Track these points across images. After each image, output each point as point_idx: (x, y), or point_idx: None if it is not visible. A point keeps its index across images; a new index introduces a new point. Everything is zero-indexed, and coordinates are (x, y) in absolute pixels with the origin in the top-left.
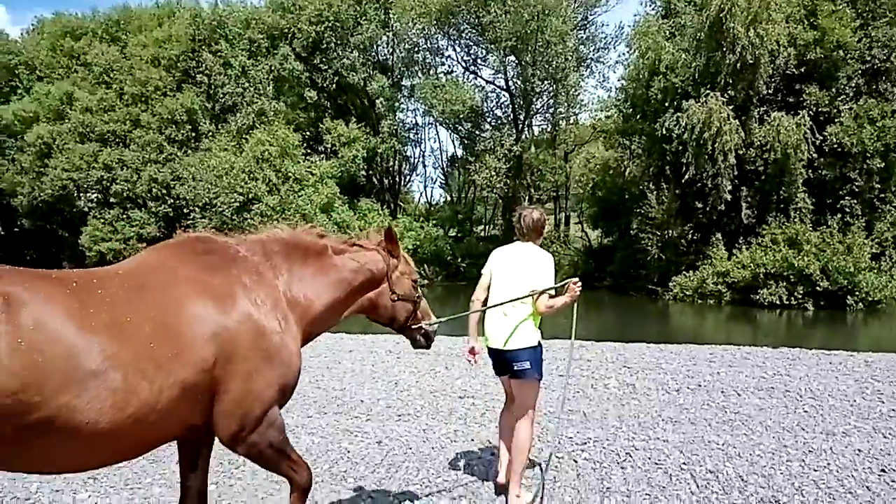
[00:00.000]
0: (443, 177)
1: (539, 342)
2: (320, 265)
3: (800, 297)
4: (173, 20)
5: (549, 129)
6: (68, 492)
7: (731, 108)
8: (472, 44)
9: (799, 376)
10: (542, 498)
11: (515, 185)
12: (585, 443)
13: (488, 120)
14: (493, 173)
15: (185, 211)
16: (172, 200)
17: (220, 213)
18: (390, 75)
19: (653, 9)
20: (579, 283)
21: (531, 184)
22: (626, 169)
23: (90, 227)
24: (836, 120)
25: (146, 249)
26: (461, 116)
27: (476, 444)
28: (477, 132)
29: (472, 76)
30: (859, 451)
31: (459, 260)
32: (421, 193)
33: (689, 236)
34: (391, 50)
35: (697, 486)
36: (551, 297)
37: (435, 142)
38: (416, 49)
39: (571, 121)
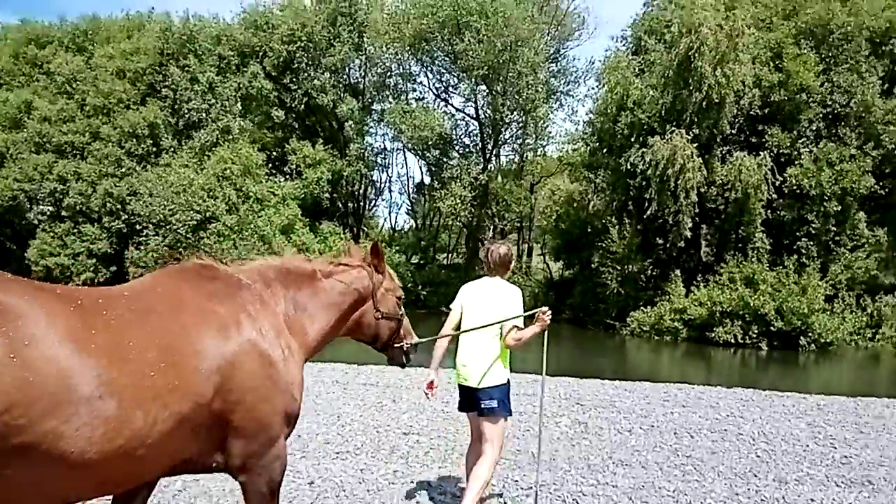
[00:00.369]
0: (409, 203)
1: (508, 379)
2: (313, 290)
3: (754, 336)
4: (142, 33)
5: (516, 160)
6: None
7: (695, 145)
8: (444, 71)
9: (752, 418)
10: None
11: (480, 213)
12: (531, 487)
13: (456, 148)
14: (459, 201)
15: (138, 227)
16: (126, 216)
17: (175, 230)
18: (361, 98)
19: (623, 45)
20: (549, 312)
21: (496, 213)
22: (589, 202)
23: (38, 241)
24: (796, 162)
25: (153, 272)
26: (429, 143)
27: (415, 485)
28: (444, 159)
29: (442, 103)
30: (812, 500)
31: (420, 287)
32: (385, 219)
33: (649, 272)
34: (363, 73)
35: None
36: (519, 329)
37: (403, 167)
38: (389, 73)
39: (539, 152)
